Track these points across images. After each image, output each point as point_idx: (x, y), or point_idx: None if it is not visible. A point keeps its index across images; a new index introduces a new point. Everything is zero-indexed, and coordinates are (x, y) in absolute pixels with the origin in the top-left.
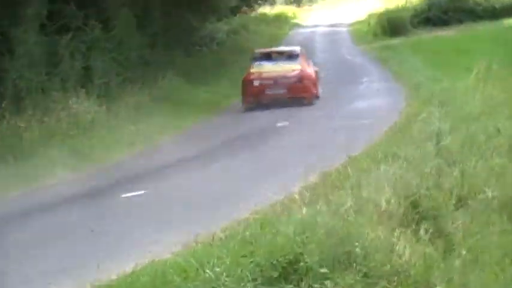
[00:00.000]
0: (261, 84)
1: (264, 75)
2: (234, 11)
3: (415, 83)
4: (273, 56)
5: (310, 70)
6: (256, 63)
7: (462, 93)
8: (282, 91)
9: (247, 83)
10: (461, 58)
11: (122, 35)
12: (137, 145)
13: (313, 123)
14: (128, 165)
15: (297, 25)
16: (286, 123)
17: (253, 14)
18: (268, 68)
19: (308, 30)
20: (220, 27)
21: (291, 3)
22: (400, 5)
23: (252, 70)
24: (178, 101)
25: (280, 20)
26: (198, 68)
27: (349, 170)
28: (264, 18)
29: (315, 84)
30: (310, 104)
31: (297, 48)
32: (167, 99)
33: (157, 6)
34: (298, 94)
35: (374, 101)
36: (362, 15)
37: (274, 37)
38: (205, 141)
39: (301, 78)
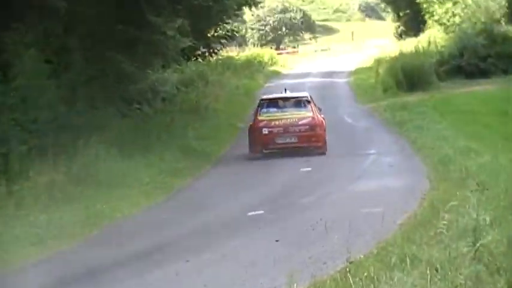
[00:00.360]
0: (270, 133)
1: (274, 123)
2: (187, 54)
3: (441, 157)
4: (281, 102)
5: (321, 118)
6: (264, 110)
7: (507, 172)
8: (292, 139)
9: (255, 130)
10: (506, 123)
11: (28, 87)
12: (47, 245)
13: (301, 211)
14: (24, 279)
15: (277, 74)
16: (261, 212)
17: (214, 59)
18: (277, 116)
19: (293, 81)
20: (168, 77)
21: (267, 43)
22: (420, 47)
23: (259, 117)
24: (108, 181)
25: (253, 66)
26: (135, 133)
27: (351, 279)
28: (230, 64)
29: (325, 133)
30: (323, 153)
31: (305, 94)
32: (91, 179)
33: (77, 47)
34: (310, 143)
35: (385, 181)
36: (367, 60)
37: (243, 91)
38: (140, 242)
39: (313, 126)
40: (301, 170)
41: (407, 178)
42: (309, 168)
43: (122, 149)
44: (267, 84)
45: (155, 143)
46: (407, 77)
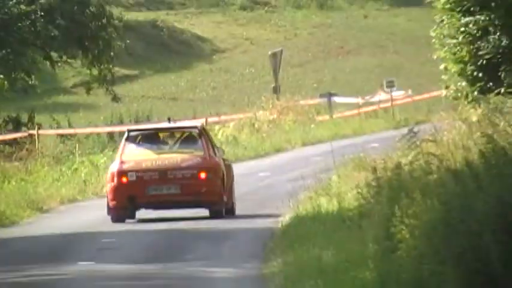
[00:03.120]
0: (139, 179)
1: (145, 165)
2: None
3: None
4: (158, 136)
5: (217, 160)
6: (131, 146)
7: None
8: (172, 190)
9: (116, 176)
10: None
11: None
12: None
13: None
14: None
15: None
16: None
17: None
18: (152, 155)
19: None
20: None
21: None
22: None
23: (124, 157)
24: None
25: None
26: None
27: None
28: None
29: (224, 184)
30: (217, 216)
31: (196, 124)
32: None
33: None
34: (197, 196)
35: None
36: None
37: None
38: None
39: (202, 169)
40: None
41: None
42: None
43: None
44: None
45: None
46: None
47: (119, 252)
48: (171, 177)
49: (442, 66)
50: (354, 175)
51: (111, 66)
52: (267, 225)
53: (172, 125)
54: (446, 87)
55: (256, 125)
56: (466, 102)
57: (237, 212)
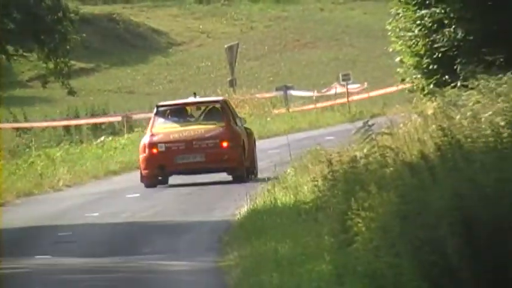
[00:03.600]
0: (168, 150)
1: (172, 136)
2: None
3: None
4: (184, 110)
5: (238, 129)
6: (160, 120)
7: None
8: (198, 159)
9: (147, 148)
10: None
11: None
12: None
13: None
14: None
15: None
16: None
17: None
18: (179, 127)
19: None
20: None
21: None
22: None
23: (153, 130)
24: None
25: None
26: None
27: None
28: None
29: (246, 151)
30: (239, 180)
31: (219, 99)
32: None
33: None
34: (220, 163)
35: None
36: None
37: None
38: None
39: (224, 139)
40: None
41: None
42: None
43: None
44: None
45: None
46: None
47: (76, 245)
48: (196, 146)
49: (397, 59)
50: (310, 168)
51: (67, 59)
52: (224, 218)
53: (197, 99)
54: (402, 80)
55: None
56: (421, 96)
57: (194, 204)
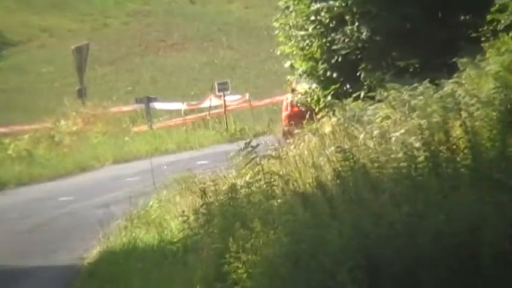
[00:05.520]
0: (308, 108)
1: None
2: None
3: None
4: None
5: None
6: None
7: None
8: None
9: (289, 106)
10: None
11: None
12: None
13: None
14: None
15: None
16: None
17: None
18: None
19: None
20: None
21: None
22: None
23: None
24: None
25: None
26: None
27: None
28: None
29: None
30: None
31: None
32: None
33: None
34: None
35: None
36: None
37: None
38: None
39: None
40: None
41: None
42: None
43: None
44: None
45: None
46: None
47: None
48: None
49: (287, 65)
50: (178, 200)
51: None
52: (71, 262)
53: None
54: (293, 91)
55: (56, 138)
56: (317, 109)
57: (34, 245)
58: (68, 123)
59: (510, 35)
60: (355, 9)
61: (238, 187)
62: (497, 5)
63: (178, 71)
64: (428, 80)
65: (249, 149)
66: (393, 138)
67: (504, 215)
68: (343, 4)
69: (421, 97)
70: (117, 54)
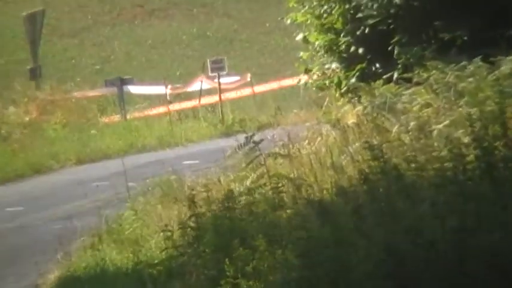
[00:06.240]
0: None
1: None
2: None
3: None
4: None
5: None
6: None
7: None
8: None
9: None
10: None
11: None
12: None
13: None
14: None
15: None
16: None
17: None
18: None
19: None
20: None
21: None
22: None
23: None
24: None
25: None
26: None
27: None
28: None
29: None
30: None
31: None
32: None
33: None
34: None
35: None
36: None
37: None
38: None
39: None
40: None
41: None
42: None
43: None
44: None
45: None
46: None
47: None
48: None
49: (299, 37)
50: (159, 211)
51: None
52: None
53: None
54: (307, 71)
55: (3, 131)
56: (337, 95)
57: None
58: (18, 112)
59: None
60: None
61: (237, 194)
62: None
63: (160, 45)
64: (480, 57)
65: (251, 145)
66: (435, 132)
67: None
68: None
69: (471, 79)
70: (82, 23)
